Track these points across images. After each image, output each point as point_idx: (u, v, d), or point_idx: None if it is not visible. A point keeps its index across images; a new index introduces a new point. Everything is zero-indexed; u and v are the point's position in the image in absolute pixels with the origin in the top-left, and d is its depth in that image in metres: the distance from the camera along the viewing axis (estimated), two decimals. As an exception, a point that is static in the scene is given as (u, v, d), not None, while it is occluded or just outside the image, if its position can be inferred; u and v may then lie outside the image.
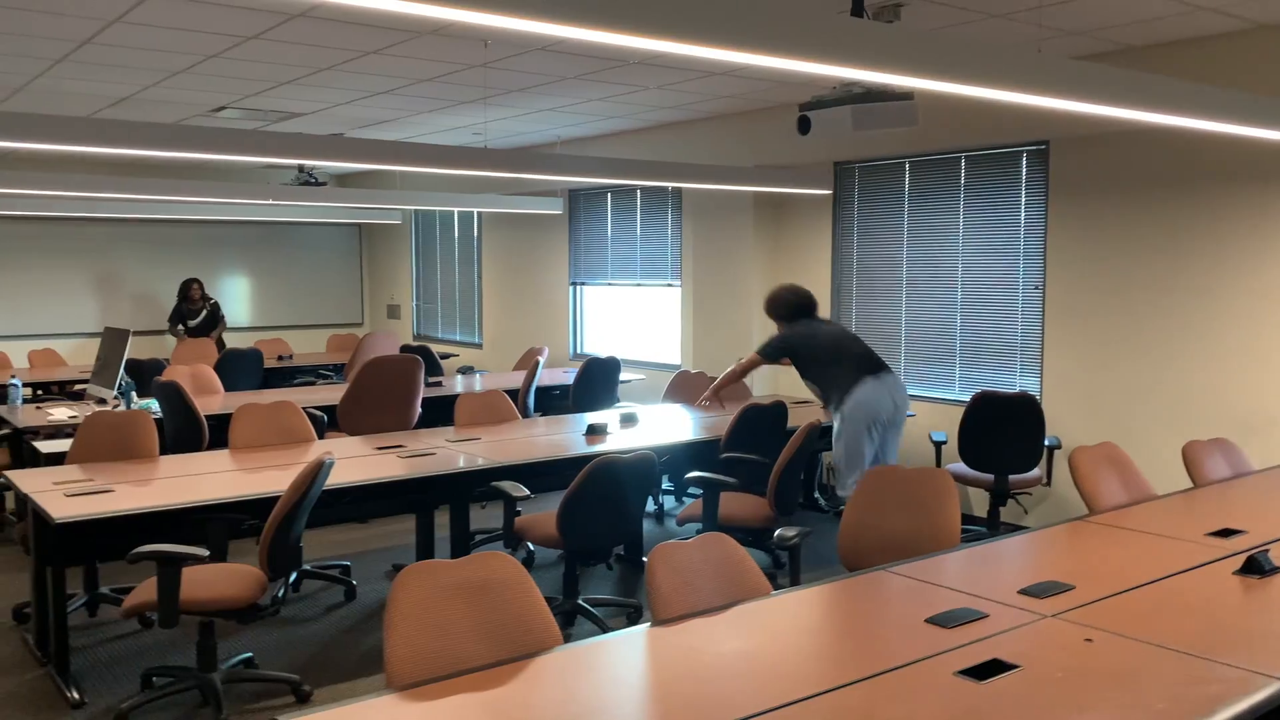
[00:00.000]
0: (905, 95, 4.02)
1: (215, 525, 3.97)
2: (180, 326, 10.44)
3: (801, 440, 4.59)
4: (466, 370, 9.45)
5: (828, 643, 2.44)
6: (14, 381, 6.63)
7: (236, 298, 11.85)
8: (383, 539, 6.09)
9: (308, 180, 8.55)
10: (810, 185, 6.41)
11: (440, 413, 6.79)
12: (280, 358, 9.76)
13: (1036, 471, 5.54)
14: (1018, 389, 6.12)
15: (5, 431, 6.11)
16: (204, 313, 10.39)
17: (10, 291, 10.51)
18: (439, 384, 7.76)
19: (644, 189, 8.68)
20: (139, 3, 4.41)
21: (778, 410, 5.33)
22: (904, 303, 6.80)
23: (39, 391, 8.22)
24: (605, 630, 4.09)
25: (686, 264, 8.15)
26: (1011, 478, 5.52)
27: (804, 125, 3.98)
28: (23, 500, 4.15)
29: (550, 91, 6.48)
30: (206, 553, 3.44)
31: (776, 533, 3.60)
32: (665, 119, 7.66)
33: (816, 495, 6.77)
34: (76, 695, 3.81)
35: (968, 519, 6.11)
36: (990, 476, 5.53)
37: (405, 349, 8.93)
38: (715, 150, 7.57)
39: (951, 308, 6.53)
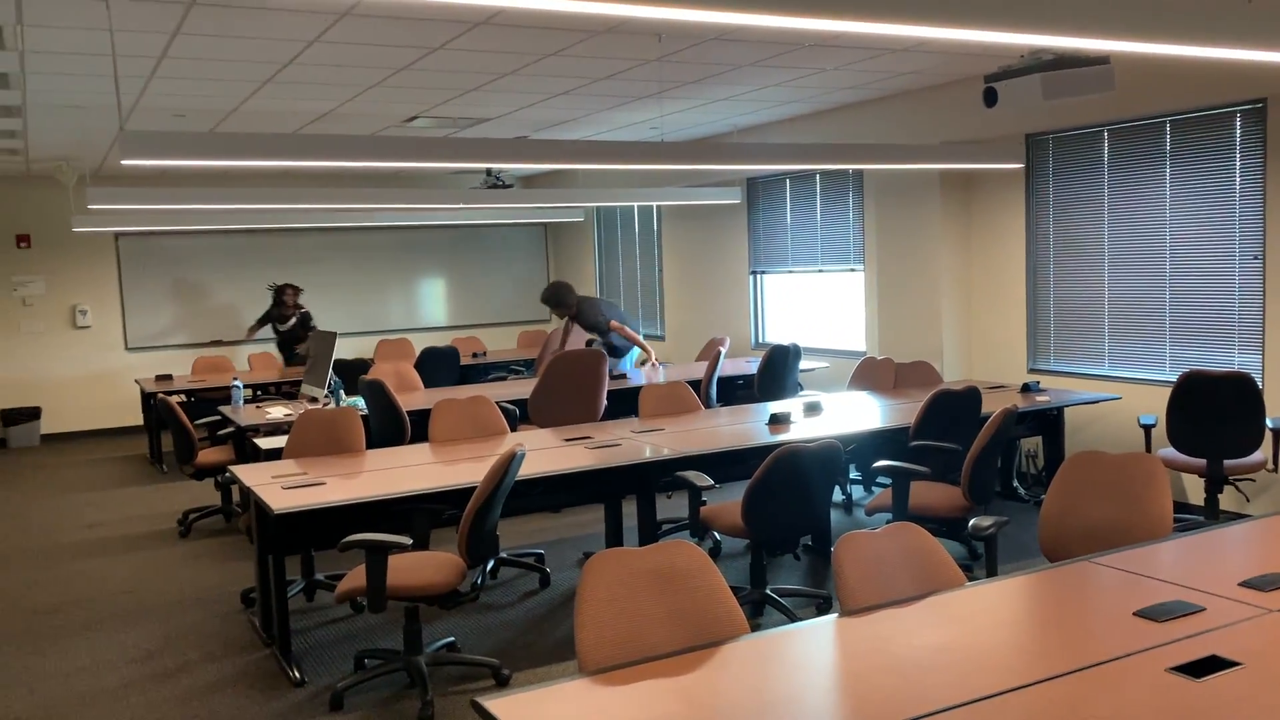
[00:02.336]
0: (1101, 59, 3.78)
1: (418, 515, 4.18)
2: (259, 329, 10.22)
3: (997, 426, 4.41)
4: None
5: (1028, 636, 2.33)
6: (236, 383, 7.16)
7: (433, 299, 12.41)
8: (574, 528, 6.25)
9: (495, 183, 8.84)
10: (1001, 160, 6.13)
11: (626, 405, 6.91)
12: (475, 355, 10.17)
13: (1259, 455, 5.12)
14: (1235, 367, 5.68)
15: (229, 430, 6.62)
16: (293, 320, 10.06)
17: (228, 299, 11.36)
18: (624, 376, 7.89)
19: (823, 173, 8.54)
20: (333, 23, 4.67)
21: (971, 396, 5.14)
22: (1106, 279, 6.42)
23: (257, 392, 8.87)
24: (793, 620, 4.06)
25: (870, 248, 7.97)
26: (1228, 462, 5.13)
27: (990, 97, 3.81)
28: (246, 493, 4.48)
29: (725, 80, 6.47)
30: (409, 541, 3.62)
31: (971, 522, 3.47)
32: (843, 100, 7.51)
33: (1015, 484, 6.49)
34: (298, 675, 4.09)
35: (1181, 507, 5.73)
36: (1203, 461, 5.16)
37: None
38: (897, 129, 7.36)
39: (1159, 283, 6.12)
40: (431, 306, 12.42)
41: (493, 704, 2.05)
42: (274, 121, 7.35)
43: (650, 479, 4.90)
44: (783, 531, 4.30)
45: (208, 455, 6.47)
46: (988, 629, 2.39)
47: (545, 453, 4.84)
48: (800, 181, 8.82)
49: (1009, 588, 2.68)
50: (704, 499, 4.50)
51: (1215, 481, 5.17)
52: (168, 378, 9.31)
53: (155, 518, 7.02)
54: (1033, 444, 6.76)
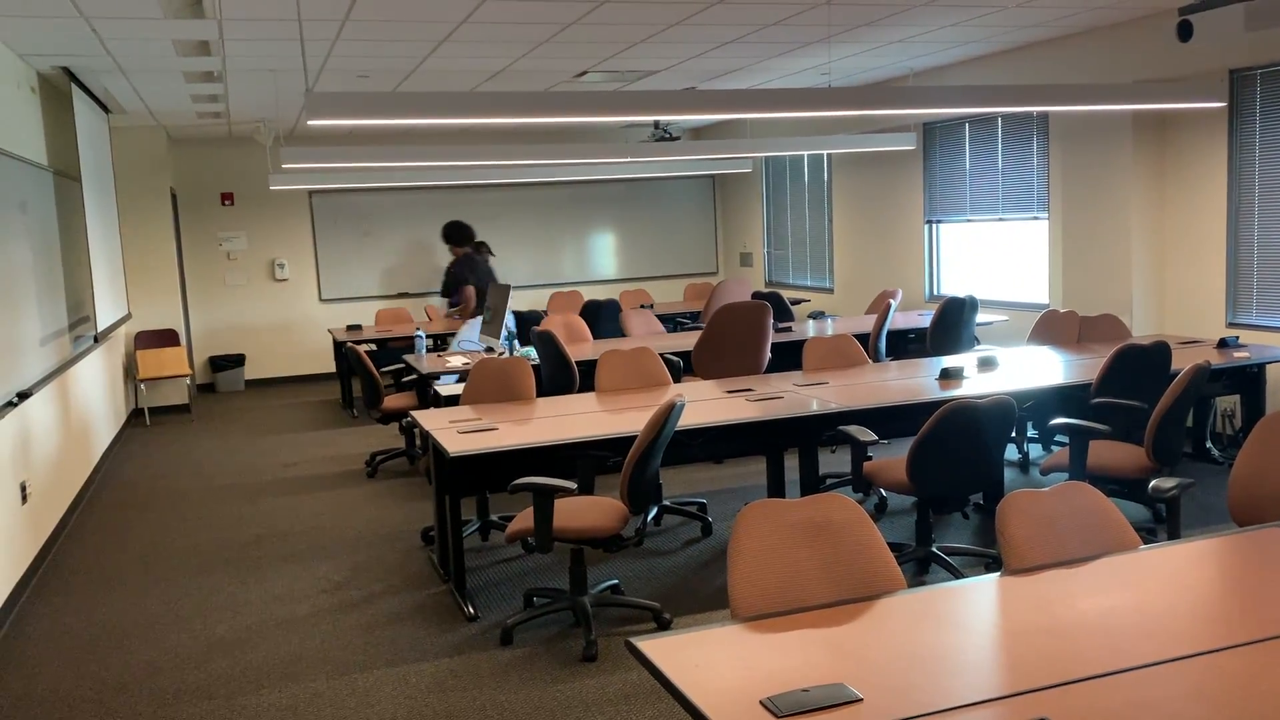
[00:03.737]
0: (1315, -17, 3.45)
1: (583, 461, 4.30)
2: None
3: (1187, 383, 4.15)
4: (817, 315, 9.44)
5: (1206, 602, 2.21)
6: (419, 333, 7.50)
7: (603, 251, 12.60)
8: (736, 479, 6.28)
9: (663, 136, 8.86)
10: (1201, 98, 5.69)
11: (791, 357, 6.86)
12: (641, 306, 10.28)
13: None
14: None
15: (412, 377, 6.95)
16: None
17: (410, 254, 11.86)
18: (789, 329, 7.82)
19: (1005, 117, 8.15)
20: (505, -20, 4.77)
21: (1160, 351, 4.85)
22: (1319, 226, 5.90)
23: (437, 341, 9.26)
24: (959, 579, 3.98)
25: (1055, 195, 7.58)
26: None
27: (1185, 31, 3.54)
28: (425, 437, 4.71)
29: (897, 22, 6.24)
30: (574, 485, 3.73)
31: (1152, 484, 3.30)
32: (1022, 40, 7.12)
33: (1209, 445, 6.10)
34: (471, 610, 4.30)
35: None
36: None
37: (756, 295, 9.07)
38: (1083, 69, 6.94)
39: (1382, 229, 5.58)
40: (602, 259, 12.61)
41: (645, 645, 2.11)
42: (451, 80, 7.58)
43: (812, 432, 4.87)
44: (951, 489, 4.19)
45: (393, 401, 6.82)
46: (1161, 594, 2.28)
47: (707, 404, 4.87)
48: (980, 126, 8.44)
49: (1189, 551, 2.54)
50: (869, 454, 4.43)
51: None
52: (357, 328, 9.83)
53: (345, 459, 7.47)
54: (1230, 403, 6.33)
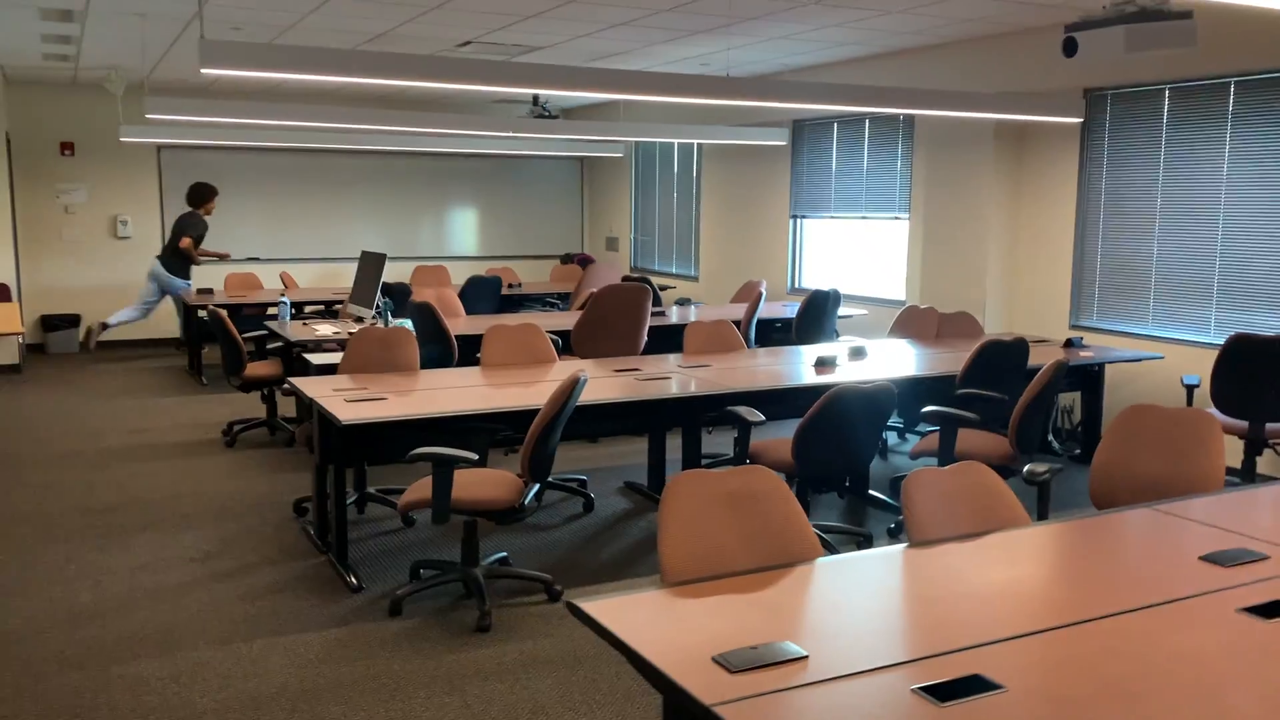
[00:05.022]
0: (1184, 13, 3.77)
1: (476, 434, 4.28)
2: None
3: (1050, 378, 4.46)
4: (683, 302, 9.61)
5: (1098, 573, 2.41)
6: (283, 300, 7.26)
7: (464, 228, 12.44)
8: (613, 458, 6.36)
9: (543, 113, 8.83)
10: (1062, 113, 6.10)
11: (662, 341, 6.99)
12: (509, 286, 10.22)
13: (1302, 421, 5.17)
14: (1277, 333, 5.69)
15: (278, 345, 6.73)
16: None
17: (262, 217, 11.42)
18: (662, 313, 7.95)
19: (873, 118, 8.49)
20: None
21: (1019, 347, 5.19)
22: (1155, 239, 6.41)
23: (295, 310, 8.96)
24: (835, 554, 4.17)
25: (916, 196, 7.96)
26: (1269, 426, 5.18)
27: (1070, 47, 3.80)
28: (306, 404, 4.59)
29: (793, 18, 6.41)
30: (476, 456, 3.72)
31: (1026, 468, 3.55)
32: (895, 45, 7.45)
33: (1050, 438, 6.56)
34: (355, 581, 4.22)
35: (1219, 469, 5.78)
36: (1245, 424, 5.21)
37: (626, 280, 9.17)
38: (947, 77, 7.31)
39: (1209, 245, 6.11)
40: (463, 235, 12.46)
41: (589, 607, 2.15)
42: (328, 39, 7.34)
43: (698, 413, 4.99)
44: (830, 469, 4.38)
45: (255, 369, 6.59)
46: (1056, 565, 2.47)
47: (598, 382, 4.92)
48: (847, 126, 8.77)
49: (1073, 529, 2.75)
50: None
51: (1255, 444, 5.22)
52: (208, 291, 9.41)
53: (198, 427, 7.17)
54: (1069, 400, 6.82)
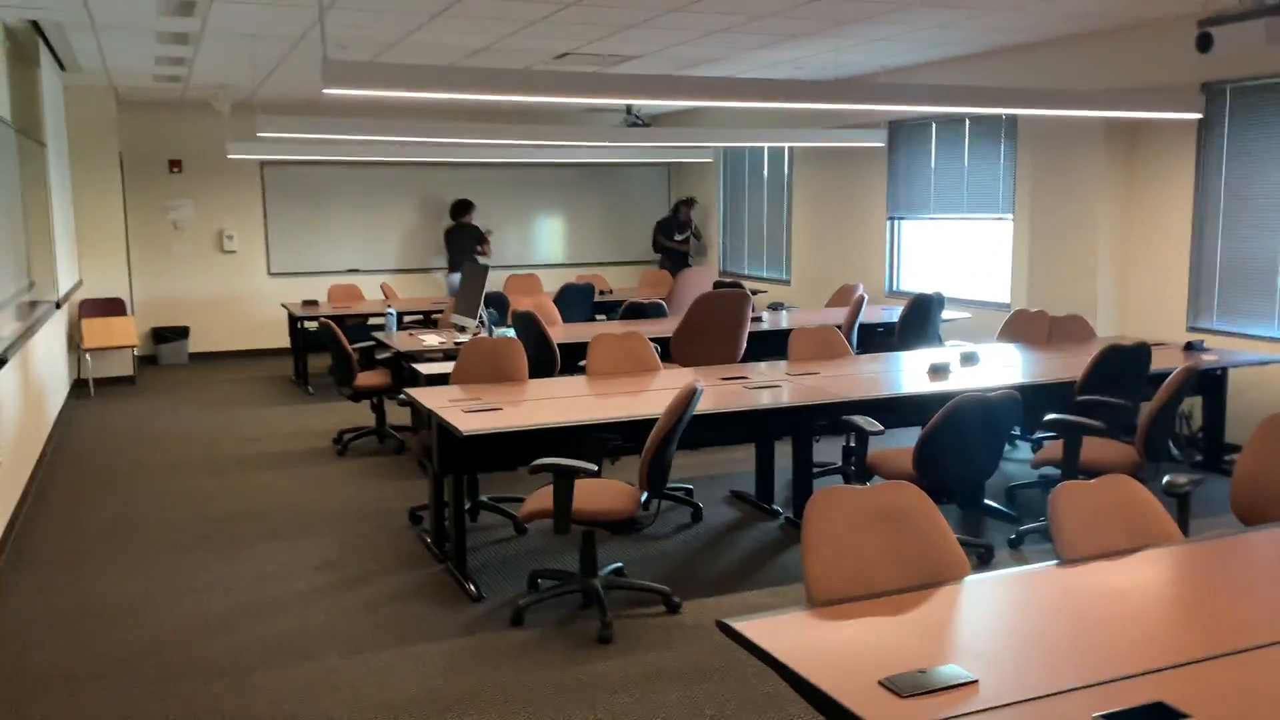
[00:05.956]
0: (1327, 4, 3.61)
1: (593, 443, 4.29)
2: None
3: (1180, 384, 4.31)
4: (776, 306, 9.53)
5: (1267, 594, 2.31)
6: (390, 311, 7.39)
7: (551, 235, 12.53)
8: (714, 465, 6.32)
9: (635, 121, 8.85)
10: (1179, 109, 5.89)
11: (757, 346, 6.92)
12: (601, 292, 10.26)
13: None
14: None
15: (388, 355, 6.85)
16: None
17: (363, 230, 11.65)
18: (759, 319, 7.89)
19: (973, 118, 8.32)
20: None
21: (1141, 352, 5.02)
22: (1280, 237, 6.16)
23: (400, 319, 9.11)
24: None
25: (1021, 196, 7.77)
26: None
27: (1204, 42, 3.67)
28: (424, 415, 4.66)
29: (893, 20, 6.32)
30: (595, 467, 3.73)
31: (1166, 479, 3.43)
32: (998, 43, 7.28)
33: (1169, 444, 6.33)
34: (475, 590, 4.26)
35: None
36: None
37: (719, 285, 9.13)
38: (1053, 74, 7.12)
39: (1341, 242, 5.85)
40: (550, 243, 12.55)
41: (742, 627, 2.13)
42: (430, 55, 7.46)
43: (809, 421, 4.94)
44: (953, 480, 4.29)
45: (365, 379, 6.71)
46: (1220, 585, 2.37)
47: (707, 391, 4.90)
48: (946, 126, 8.61)
49: (1232, 545, 2.65)
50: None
51: (1398, 451, 4.97)
52: (314, 303, 9.63)
53: (309, 436, 7.34)
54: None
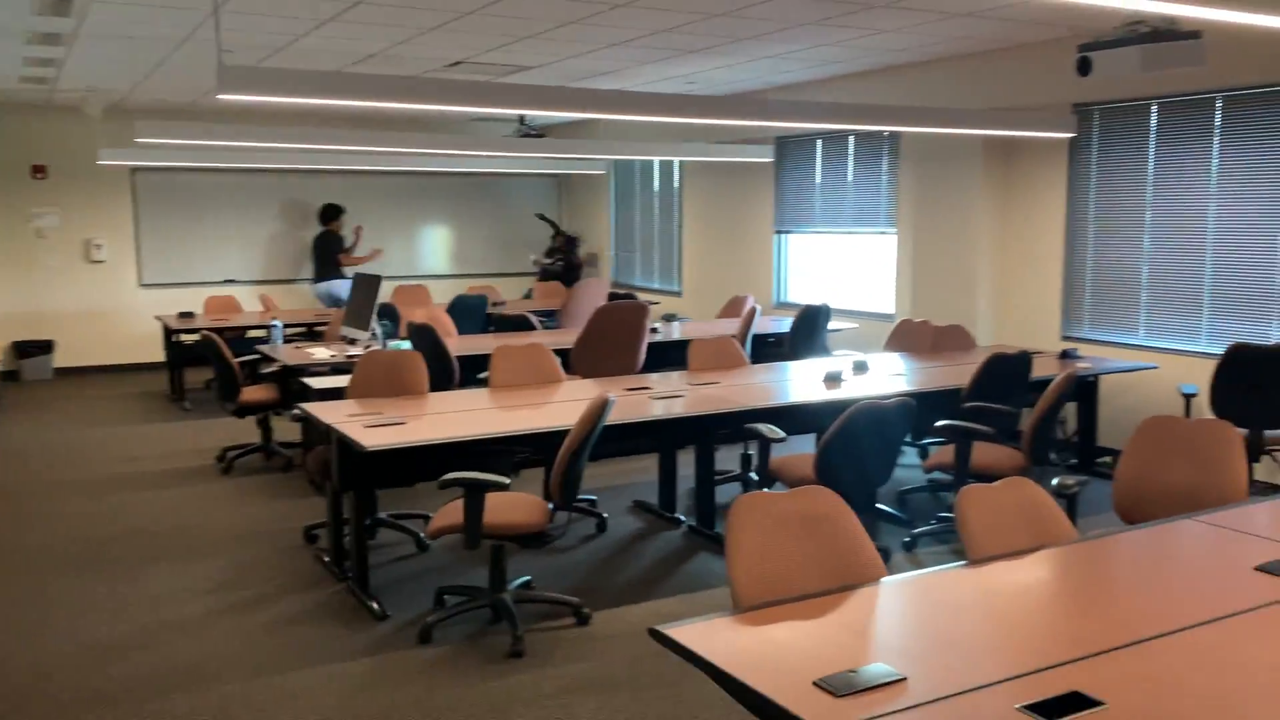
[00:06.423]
0: (1193, 33, 3.86)
1: (499, 457, 4.26)
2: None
3: (1062, 389, 4.53)
4: (670, 317, 9.63)
5: (1161, 586, 2.45)
6: (275, 323, 7.18)
7: (438, 246, 12.37)
8: (618, 476, 6.34)
9: (528, 132, 8.83)
10: (1053, 128, 6.21)
11: (654, 358, 6.98)
12: (494, 304, 10.17)
13: (1298, 427, 5.29)
14: (1273, 340, 5.83)
15: (274, 369, 6.65)
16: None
17: (241, 240, 11.29)
18: (654, 330, 7.95)
19: (857, 134, 8.58)
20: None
21: (1023, 360, 5.26)
22: (1145, 251, 6.54)
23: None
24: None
25: (904, 211, 8.05)
26: (1267, 433, 5.29)
27: (1084, 66, 3.88)
28: (320, 430, 4.54)
29: (787, 39, 6.47)
30: (508, 481, 3.71)
31: (1055, 480, 3.59)
32: (882, 63, 7.54)
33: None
34: (379, 608, 4.18)
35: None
36: (1244, 431, 5.32)
37: (613, 296, 9.18)
38: (933, 93, 7.41)
39: (1198, 256, 6.24)
40: (437, 254, 12.39)
41: (674, 632, 2.15)
42: (319, 60, 7.29)
43: (712, 430, 5.01)
44: (852, 485, 4.40)
45: (251, 394, 6.50)
46: (1119, 579, 2.51)
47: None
48: (832, 142, 8.86)
49: (1125, 542, 2.80)
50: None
51: (1253, 451, 5.33)
52: (190, 315, 9.28)
53: (189, 454, 7.06)
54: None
